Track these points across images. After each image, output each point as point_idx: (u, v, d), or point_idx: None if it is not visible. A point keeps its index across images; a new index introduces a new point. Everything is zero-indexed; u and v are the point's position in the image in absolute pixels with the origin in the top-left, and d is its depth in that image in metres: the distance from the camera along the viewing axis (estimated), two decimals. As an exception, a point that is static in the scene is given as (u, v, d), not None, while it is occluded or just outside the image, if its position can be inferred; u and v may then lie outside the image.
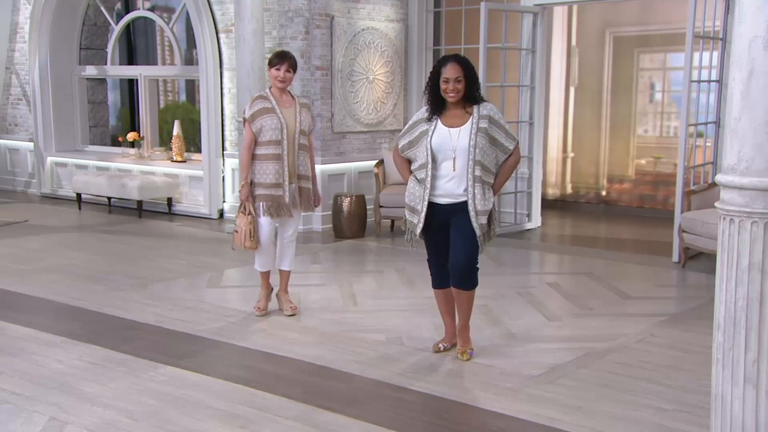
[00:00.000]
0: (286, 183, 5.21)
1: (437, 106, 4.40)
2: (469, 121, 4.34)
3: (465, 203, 4.35)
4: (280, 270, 5.48)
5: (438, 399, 3.99)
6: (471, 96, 4.37)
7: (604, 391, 4.05)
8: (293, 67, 5.24)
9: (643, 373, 4.31)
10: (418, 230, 4.43)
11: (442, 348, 4.67)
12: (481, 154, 4.32)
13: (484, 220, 4.36)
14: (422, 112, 4.49)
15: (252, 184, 5.25)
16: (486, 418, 3.75)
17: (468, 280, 4.44)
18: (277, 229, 5.46)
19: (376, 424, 3.66)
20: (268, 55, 5.39)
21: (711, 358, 2.90)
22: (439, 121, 4.39)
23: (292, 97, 5.32)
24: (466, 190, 4.34)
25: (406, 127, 4.57)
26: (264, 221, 5.27)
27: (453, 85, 4.30)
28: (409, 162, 4.53)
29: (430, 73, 4.43)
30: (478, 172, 4.32)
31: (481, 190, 4.34)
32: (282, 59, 5.20)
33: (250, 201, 5.25)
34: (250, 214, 5.24)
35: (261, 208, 5.24)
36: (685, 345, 4.80)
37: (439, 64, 4.39)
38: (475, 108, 4.37)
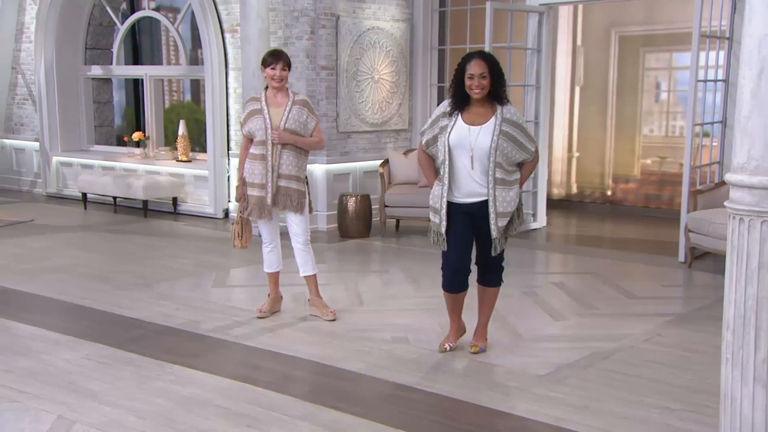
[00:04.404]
0: (269, 184, 5.13)
1: (461, 102, 4.35)
2: (491, 121, 4.30)
3: (486, 203, 4.33)
4: (304, 277, 5.35)
5: (444, 398, 3.98)
6: (496, 94, 4.33)
7: (611, 391, 4.05)
8: (288, 65, 5.16)
9: (649, 373, 4.30)
10: (443, 228, 4.38)
11: (448, 348, 4.65)
12: (502, 157, 4.29)
13: (503, 222, 4.34)
14: (444, 105, 4.43)
15: (245, 184, 5.25)
16: (492, 418, 3.74)
17: (493, 277, 4.59)
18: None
19: (383, 423, 3.66)
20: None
21: (718, 357, 2.89)
22: (459, 117, 4.35)
23: (288, 95, 5.21)
24: (487, 191, 4.32)
25: (429, 122, 4.50)
26: (260, 221, 5.27)
27: (478, 81, 4.25)
28: (434, 161, 4.47)
29: (456, 69, 4.37)
30: (499, 175, 4.29)
31: (502, 192, 4.32)
32: (276, 58, 5.13)
33: (242, 201, 5.24)
34: (241, 214, 5.26)
35: (248, 208, 5.22)
36: (692, 345, 4.79)
37: (464, 60, 4.34)
38: (498, 108, 4.33)
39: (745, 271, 2.69)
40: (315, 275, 5.36)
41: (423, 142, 4.50)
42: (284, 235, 5.39)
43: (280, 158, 5.12)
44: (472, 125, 4.31)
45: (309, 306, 5.41)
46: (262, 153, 5.12)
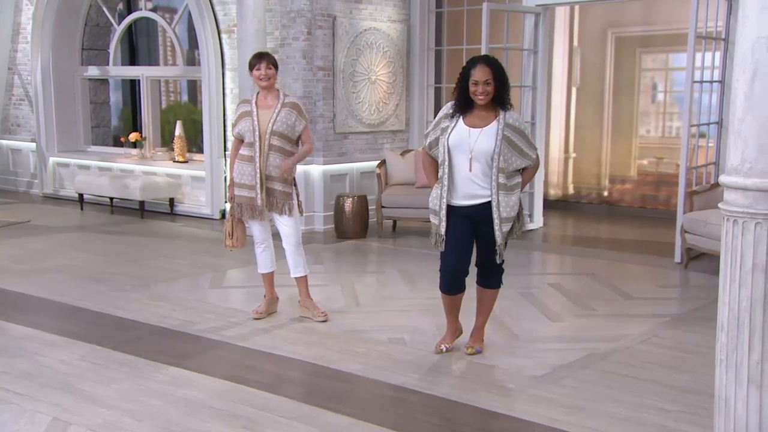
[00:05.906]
0: (258, 185, 5.14)
1: (465, 107, 4.34)
2: (492, 125, 4.30)
3: (487, 206, 4.33)
4: (294, 278, 5.38)
5: (440, 400, 3.99)
6: (500, 99, 4.32)
7: (607, 392, 4.05)
8: (273, 64, 5.18)
9: (645, 374, 4.31)
10: (443, 230, 4.38)
11: (444, 349, 4.66)
12: (504, 162, 4.30)
13: (507, 227, 4.36)
14: (448, 107, 4.44)
15: (234, 185, 5.27)
16: (489, 419, 3.75)
17: (493, 279, 4.58)
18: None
19: (379, 424, 3.66)
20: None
21: (714, 358, 2.90)
22: (461, 119, 4.35)
23: (279, 97, 5.21)
24: (489, 194, 4.31)
25: (432, 124, 4.51)
26: (250, 222, 5.28)
27: (482, 88, 4.24)
28: (437, 163, 4.47)
29: (460, 74, 4.35)
30: (501, 180, 4.30)
31: (505, 197, 4.32)
32: (259, 59, 5.16)
33: (232, 202, 5.27)
34: (232, 214, 5.28)
35: (237, 209, 5.24)
36: (688, 346, 4.80)
37: (469, 65, 4.32)
38: (501, 114, 4.32)
39: (739, 272, 2.70)
40: (306, 276, 5.37)
41: (426, 144, 4.51)
42: (277, 236, 5.39)
43: (267, 160, 5.14)
44: (473, 128, 4.31)
45: (299, 307, 5.42)
46: (250, 155, 5.16)
